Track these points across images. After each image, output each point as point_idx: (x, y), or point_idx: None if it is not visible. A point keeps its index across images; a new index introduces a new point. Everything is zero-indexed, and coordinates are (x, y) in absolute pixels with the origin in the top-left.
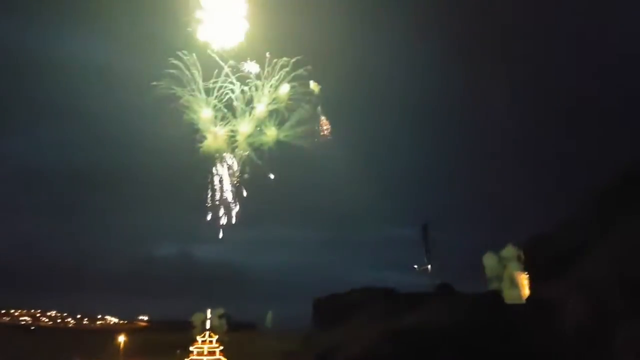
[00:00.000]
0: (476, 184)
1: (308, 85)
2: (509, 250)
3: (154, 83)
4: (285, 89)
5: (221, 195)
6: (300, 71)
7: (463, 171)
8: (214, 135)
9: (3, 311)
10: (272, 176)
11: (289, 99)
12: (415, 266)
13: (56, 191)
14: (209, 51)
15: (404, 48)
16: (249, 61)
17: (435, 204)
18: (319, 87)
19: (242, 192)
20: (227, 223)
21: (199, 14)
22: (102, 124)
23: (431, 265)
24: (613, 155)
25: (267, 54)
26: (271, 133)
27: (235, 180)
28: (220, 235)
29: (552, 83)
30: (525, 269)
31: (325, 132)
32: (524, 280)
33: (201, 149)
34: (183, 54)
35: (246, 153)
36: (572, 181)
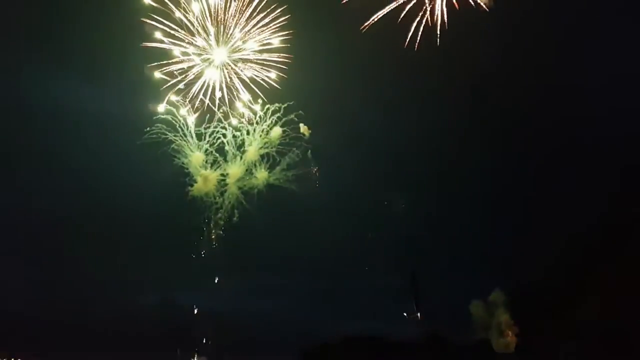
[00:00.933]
0: (464, 230)
1: (299, 130)
2: (497, 295)
3: (147, 129)
4: (276, 133)
5: (208, 241)
6: (291, 116)
7: (452, 217)
8: (204, 179)
9: None
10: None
11: (280, 144)
12: (405, 314)
13: (38, 239)
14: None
15: (396, 101)
16: (241, 107)
17: (424, 251)
18: (310, 131)
19: (229, 238)
20: (213, 270)
21: None
22: (87, 171)
23: (420, 314)
24: (599, 202)
25: (259, 100)
26: (262, 176)
27: (223, 224)
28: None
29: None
30: (514, 317)
31: (315, 177)
32: (512, 328)
33: (190, 193)
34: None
35: (235, 197)
36: (559, 226)
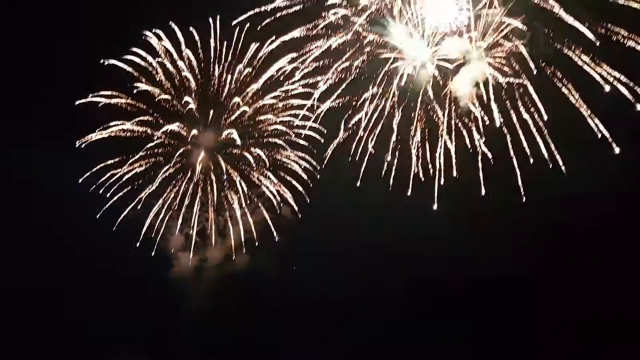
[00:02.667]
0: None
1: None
2: None
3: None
4: (260, 216)
5: (182, 331)
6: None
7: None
8: (182, 263)
9: None
10: None
11: (263, 228)
12: None
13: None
14: None
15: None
16: (227, 190)
17: None
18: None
19: (205, 323)
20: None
21: None
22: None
23: None
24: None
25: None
26: (242, 261)
27: (199, 309)
28: None
29: None
30: None
31: (294, 271)
32: None
33: (168, 277)
34: None
35: (214, 281)
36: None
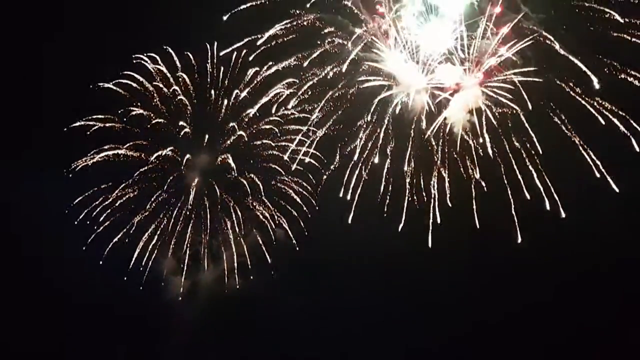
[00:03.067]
0: None
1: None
2: None
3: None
4: (254, 239)
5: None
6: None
7: None
8: (174, 287)
9: None
10: None
11: (256, 252)
12: None
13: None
14: None
15: None
16: (221, 214)
17: None
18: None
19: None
20: None
21: None
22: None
23: None
24: None
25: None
26: (234, 286)
27: (189, 335)
28: None
29: None
30: None
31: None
32: None
33: (160, 299)
34: None
35: (205, 303)
36: None
